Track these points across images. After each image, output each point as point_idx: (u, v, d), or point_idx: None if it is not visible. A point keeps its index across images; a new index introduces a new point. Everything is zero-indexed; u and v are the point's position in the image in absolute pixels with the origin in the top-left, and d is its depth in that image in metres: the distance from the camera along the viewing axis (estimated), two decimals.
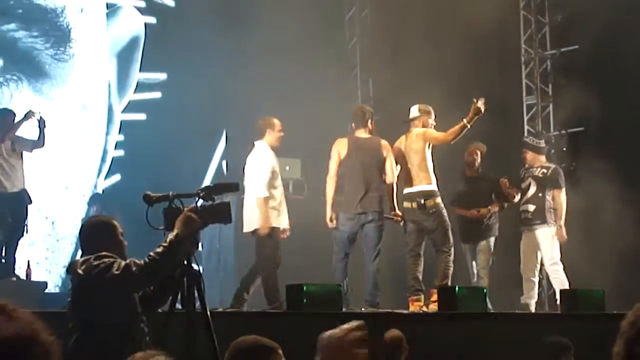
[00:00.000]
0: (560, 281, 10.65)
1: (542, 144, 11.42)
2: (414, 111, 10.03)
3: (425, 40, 12.44)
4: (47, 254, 12.38)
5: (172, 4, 13.42)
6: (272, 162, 9.66)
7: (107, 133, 12.52)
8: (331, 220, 9.68)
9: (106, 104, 12.82)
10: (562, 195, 10.86)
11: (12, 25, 11.75)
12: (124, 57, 13.04)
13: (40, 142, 10.59)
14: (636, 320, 1.80)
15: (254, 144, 9.85)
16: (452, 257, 9.76)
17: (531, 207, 10.89)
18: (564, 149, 13.61)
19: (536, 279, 10.94)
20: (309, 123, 12.21)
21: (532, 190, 10.93)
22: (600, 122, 12.24)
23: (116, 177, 12.96)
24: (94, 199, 11.56)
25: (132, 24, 12.76)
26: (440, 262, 9.75)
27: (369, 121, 9.90)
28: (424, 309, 9.45)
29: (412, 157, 9.85)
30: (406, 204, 9.83)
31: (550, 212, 10.80)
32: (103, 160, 12.47)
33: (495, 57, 13.44)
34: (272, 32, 12.76)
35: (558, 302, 10.32)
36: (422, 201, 9.73)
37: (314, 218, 10.32)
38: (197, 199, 5.37)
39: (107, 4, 12.43)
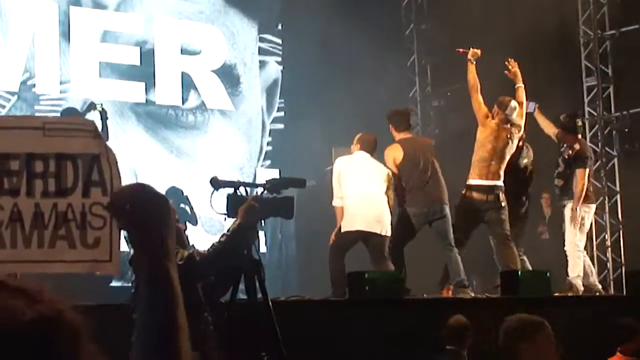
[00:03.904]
0: (571, 265, 10.14)
1: (576, 122, 10.56)
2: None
3: (482, 25, 12.35)
4: None
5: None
6: None
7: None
8: None
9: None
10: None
11: None
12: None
13: (103, 135, 10.54)
14: None
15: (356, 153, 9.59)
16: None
17: (559, 182, 10.43)
18: (626, 130, 13.44)
19: (578, 255, 10.18)
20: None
21: (561, 167, 10.42)
22: None
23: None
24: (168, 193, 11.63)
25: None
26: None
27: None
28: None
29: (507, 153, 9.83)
30: (481, 196, 9.70)
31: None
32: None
33: (554, 39, 13.28)
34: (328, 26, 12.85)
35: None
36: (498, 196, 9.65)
37: None
38: (262, 190, 5.39)
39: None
